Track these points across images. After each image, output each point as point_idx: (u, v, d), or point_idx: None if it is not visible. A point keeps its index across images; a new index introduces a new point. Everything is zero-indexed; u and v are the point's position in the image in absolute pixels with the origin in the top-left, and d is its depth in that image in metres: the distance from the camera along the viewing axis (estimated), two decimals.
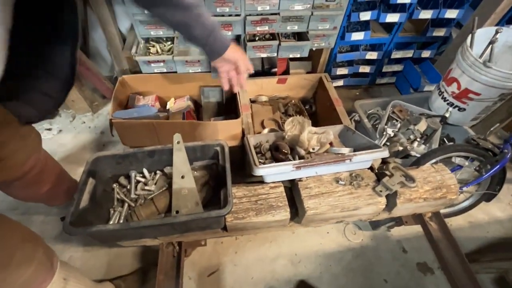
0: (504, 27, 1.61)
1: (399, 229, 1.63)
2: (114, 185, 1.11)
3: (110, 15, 1.62)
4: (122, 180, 1.13)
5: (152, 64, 1.50)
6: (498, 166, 1.41)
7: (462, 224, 1.72)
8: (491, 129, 1.59)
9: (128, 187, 1.10)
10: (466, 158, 1.54)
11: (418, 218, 1.40)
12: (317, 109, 2.04)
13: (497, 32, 1.45)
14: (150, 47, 1.58)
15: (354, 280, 1.49)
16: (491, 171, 1.43)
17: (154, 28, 1.46)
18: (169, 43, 1.59)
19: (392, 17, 1.85)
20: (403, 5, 1.81)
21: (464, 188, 1.53)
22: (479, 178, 1.46)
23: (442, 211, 1.71)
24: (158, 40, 1.60)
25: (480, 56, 1.54)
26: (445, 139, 1.91)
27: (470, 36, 1.55)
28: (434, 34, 2.05)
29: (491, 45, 1.46)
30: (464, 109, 1.71)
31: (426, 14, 1.89)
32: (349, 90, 2.42)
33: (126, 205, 1.06)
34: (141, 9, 1.38)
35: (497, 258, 1.40)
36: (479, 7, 1.93)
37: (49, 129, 2.07)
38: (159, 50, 1.55)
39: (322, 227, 1.66)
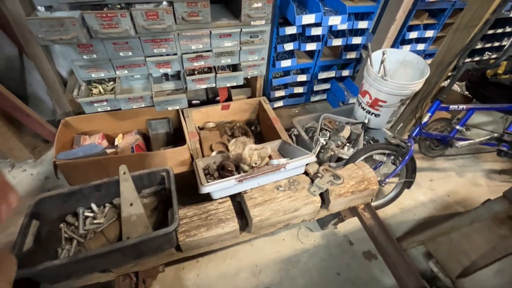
0: (389, 48, 2.04)
1: (344, 224, 1.83)
2: (61, 224, 1.12)
3: (48, 61, 1.66)
4: (70, 218, 1.14)
5: (95, 104, 1.56)
6: (407, 157, 1.72)
7: (394, 211, 2.00)
8: (398, 128, 1.94)
9: (76, 224, 1.12)
10: (384, 154, 1.85)
11: (353, 211, 1.61)
12: (261, 129, 2.25)
13: (383, 53, 1.84)
14: (92, 88, 1.64)
15: (311, 279, 1.62)
16: (403, 162, 1.73)
17: (95, 71, 1.55)
18: (112, 83, 1.68)
19: (311, 46, 2.20)
20: (318, 36, 2.19)
21: (387, 180, 1.81)
22: (396, 169, 1.76)
23: (376, 203, 1.98)
24: (100, 81, 1.68)
25: (379, 72, 1.92)
26: (371, 141, 2.25)
27: (369, 58, 1.93)
28: (348, 56, 2.47)
29: (382, 63, 1.84)
30: (379, 115, 2.06)
31: (337, 42, 2.29)
32: (289, 109, 2.71)
33: (75, 241, 1.07)
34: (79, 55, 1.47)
35: (417, 233, 1.65)
36: (375, 33, 2.41)
37: None
38: (101, 91, 1.63)
39: (278, 235, 1.79)
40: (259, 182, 1.38)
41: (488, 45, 2.91)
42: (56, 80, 1.74)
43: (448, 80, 2.74)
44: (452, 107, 1.74)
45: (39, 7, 1.27)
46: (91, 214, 1.15)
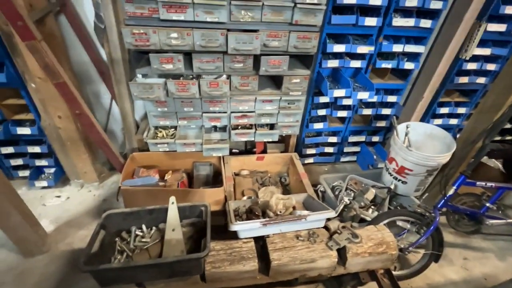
0: (414, 122, 2.21)
1: None
2: (116, 238, 1.39)
3: (131, 109, 2.18)
4: (124, 234, 1.41)
5: (159, 145, 1.96)
6: (431, 227, 1.73)
7: (421, 285, 1.90)
8: (423, 197, 1.98)
9: (128, 240, 1.38)
10: (408, 222, 1.87)
11: (372, 275, 1.62)
12: (290, 182, 2.44)
13: (407, 127, 2.02)
14: (158, 132, 2.08)
15: None
16: (427, 232, 1.74)
17: (163, 120, 1.99)
18: (173, 129, 2.11)
19: (342, 113, 2.48)
20: (349, 105, 2.47)
21: (411, 248, 1.80)
22: (420, 238, 1.76)
23: (400, 272, 1.92)
24: (164, 127, 2.12)
25: (404, 142, 2.07)
26: (398, 207, 2.27)
27: (395, 129, 2.11)
28: (378, 125, 2.67)
29: (406, 135, 2.00)
30: (406, 182, 2.13)
31: (367, 111, 2.54)
32: (319, 166, 2.89)
33: (125, 254, 1.31)
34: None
35: None
36: (405, 106, 2.62)
37: (58, 196, 2.37)
38: (164, 135, 2.05)
39: None
40: (281, 229, 1.53)
41: None
42: (132, 123, 2.23)
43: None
44: (479, 183, 1.77)
45: (138, 74, 1.78)
46: (141, 233, 1.40)
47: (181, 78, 1.82)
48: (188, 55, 1.72)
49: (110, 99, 2.50)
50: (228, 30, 1.61)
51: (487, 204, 1.83)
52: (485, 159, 2.79)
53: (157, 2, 1.48)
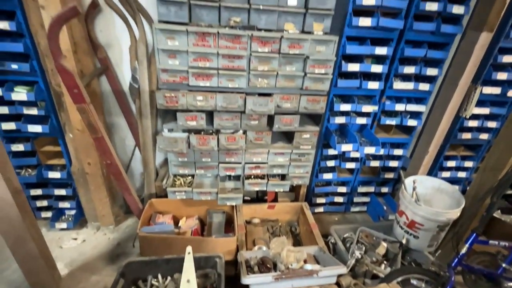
0: (422, 176, 2.28)
1: None
2: (133, 287, 1.44)
3: (153, 159, 2.37)
4: (140, 283, 1.46)
5: (176, 193, 2.09)
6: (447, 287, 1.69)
7: None
8: (437, 254, 1.95)
9: None
10: (422, 280, 1.83)
11: None
12: (301, 231, 2.46)
13: (414, 182, 2.09)
14: (176, 180, 2.22)
15: None
16: None
17: (182, 169, 2.15)
18: (190, 177, 2.25)
19: (350, 165, 2.59)
20: (357, 158, 2.59)
21: None
22: None
23: None
24: (183, 175, 2.27)
25: (412, 196, 2.12)
26: (412, 263, 2.21)
27: (403, 183, 2.18)
28: (386, 176, 2.75)
29: (414, 190, 2.06)
30: (418, 237, 2.12)
31: (375, 163, 2.64)
32: (329, 215, 2.91)
33: None
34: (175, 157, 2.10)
35: None
36: (412, 159, 2.71)
37: (75, 239, 2.45)
38: (182, 183, 2.19)
39: None
40: (293, 284, 1.55)
41: None
42: (153, 170, 2.39)
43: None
44: (491, 242, 1.76)
45: (165, 129, 2.00)
46: (156, 283, 1.45)
47: (202, 132, 2.02)
48: (209, 113, 1.95)
49: (134, 146, 2.71)
50: (247, 94, 1.85)
51: (503, 265, 1.79)
52: (498, 214, 2.75)
53: (187, 72, 1.75)
